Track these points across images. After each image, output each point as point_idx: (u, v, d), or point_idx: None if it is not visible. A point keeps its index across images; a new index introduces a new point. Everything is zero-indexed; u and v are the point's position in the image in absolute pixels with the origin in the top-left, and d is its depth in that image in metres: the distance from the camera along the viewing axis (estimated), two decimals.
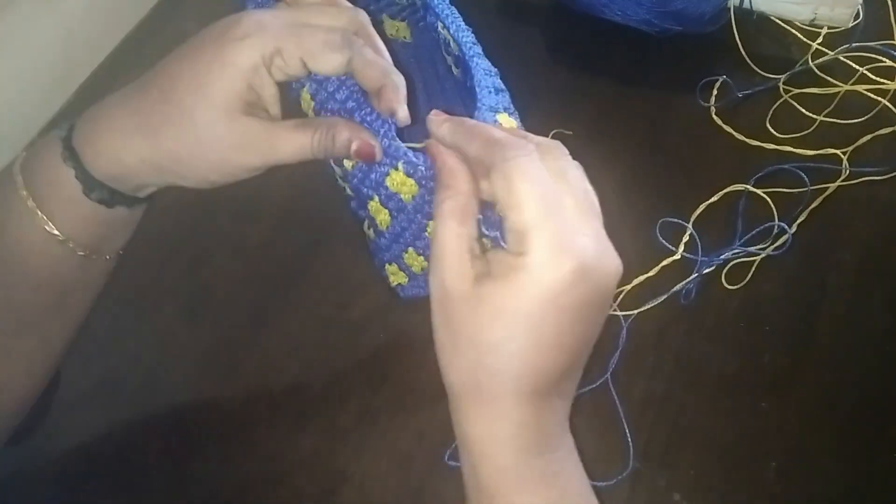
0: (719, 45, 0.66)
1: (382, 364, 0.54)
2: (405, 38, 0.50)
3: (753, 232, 0.57)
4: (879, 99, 0.63)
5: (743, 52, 0.64)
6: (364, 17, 0.41)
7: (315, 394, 0.54)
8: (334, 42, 0.38)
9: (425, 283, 0.48)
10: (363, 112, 0.42)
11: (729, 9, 0.63)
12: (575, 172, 0.36)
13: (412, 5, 0.51)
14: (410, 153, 0.41)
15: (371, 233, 0.49)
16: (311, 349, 0.55)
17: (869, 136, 0.62)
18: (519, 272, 0.33)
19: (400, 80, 0.39)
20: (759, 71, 0.65)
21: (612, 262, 0.34)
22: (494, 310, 0.34)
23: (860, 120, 0.62)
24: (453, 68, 0.48)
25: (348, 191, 0.49)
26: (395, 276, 0.51)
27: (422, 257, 0.48)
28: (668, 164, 0.62)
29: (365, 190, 0.44)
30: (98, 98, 0.64)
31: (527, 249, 0.33)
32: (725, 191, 0.59)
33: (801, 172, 0.59)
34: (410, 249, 0.47)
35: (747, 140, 0.62)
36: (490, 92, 0.44)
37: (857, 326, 0.54)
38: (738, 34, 0.64)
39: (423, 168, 0.41)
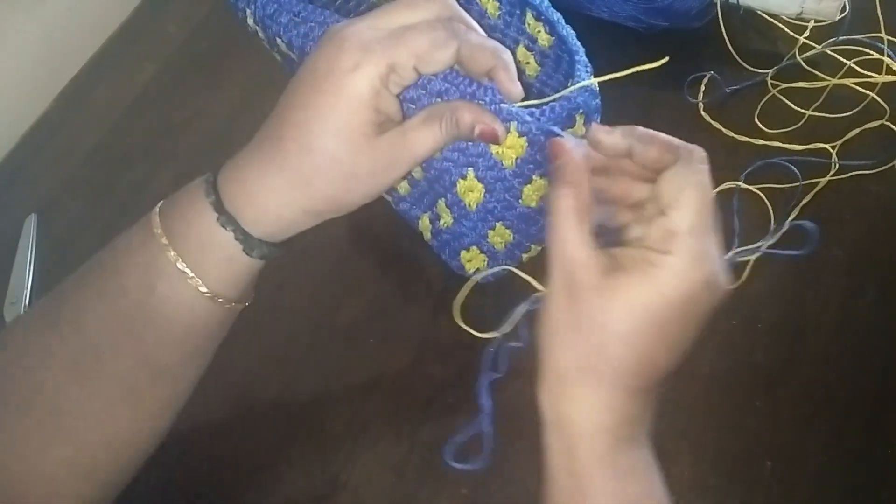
0: (706, 41, 0.65)
1: (373, 369, 0.53)
2: (492, 14, 0.49)
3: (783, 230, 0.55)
4: (867, 92, 0.63)
5: (730, 47, 0.64)
6: (451, 0, 0.40)
7: (305, 401, 0.53)
8: (440, 38, 0.37)
9: (506, 259, 0.48)
10: (461, 87, 0.40)
11: (715, 4, 0.63)
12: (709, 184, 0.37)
13: None
14: (523, 112, 0.41)
15: (443, 223, 0.48)
16: (300, 356, 0.54)
17: (857, 130, 0.61)
18: (659, 270, 0.34)
19: (508, 57, 0.39)
20: (747, 66, 0.64)
21: (723, 280, 0.36)
22: (628, 302, 0.35)
23: (848, 114, 0.62)
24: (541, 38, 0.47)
25: (402, 190, 0.48)
26: (473, 262, 0.51)
27: (509, 231, 0.48)
28: None
29: (456, 170, 0.44)
30: (82, 101, 0.63)
31: (673, 251, 0.34)
32: (718, 188, 0.58)
33: (792, 167, 0.59)
34: (498, 224, 0.47)
35: (736, 136, 0.62)
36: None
37: (849, 322, 0.54)
38: (725, 29, 0.63)
39: (535, 125, 0.41)
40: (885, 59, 0.63)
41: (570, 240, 0.36)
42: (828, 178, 0.59)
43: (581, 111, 0.43)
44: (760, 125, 0.62)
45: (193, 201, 0.40)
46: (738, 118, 0.63)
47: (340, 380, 0.54)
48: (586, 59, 0.42)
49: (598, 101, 0.43)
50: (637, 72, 0.39)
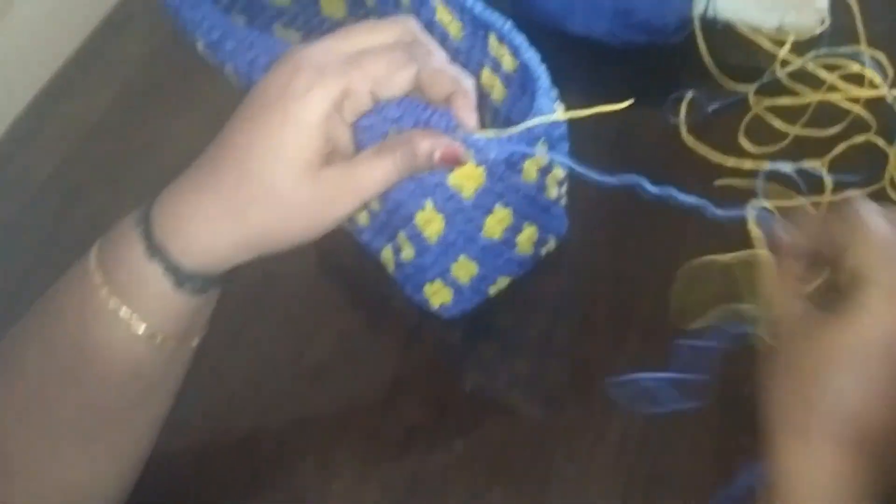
0: (685, 56, 0.64)
1: (342, 410, 0.51)
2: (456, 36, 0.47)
3: None
4: (851, 107, 0.61)
5: (709, 63, 0.62)
6: (413, 22, 0.38)
7: (271, 445, 0.50)
8: (398, 60, 0.36)
9: (472, 293, 0.45)
10: (415, 112, 0.38)
11: (693, 18, 0.61)
12: None
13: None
14: (482, 140, 0.38)
15: (405, 255, 0.46)
16: (264, 400, 0.51)
17: (844, 146, 0.59)
18: (857, 310, 0.33)
19: (470, 84, 0.37)
20: (727, 81, 0.62)
21: None
22: (828, 345, 0.34)
23: (834, 130, 0.60)
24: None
25: (362, 221, 0.45)
26: (438, 296, 0.48)
27: (473, 263, 0.46)
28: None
29: (413, 201, 0.42)
30: (35, 131, 0.61)
31: (866, 289, 0.33)
32: None
33: (796, 177, 0.56)
34: (462, 257, 0.45)
35: (723, 157, 0.59)
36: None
37: None
38: (704, 44, 0.61)
39: (493, 153, 0.39)
40: (867, 72, 0.62)
41: (785, 302, 0.36)
42: (828, 197, 0.56)
43: (543, 139, 0.41)
44: (745, 145, 0.60)
45: (125, 233, 0.38)
46: (722, 139, 0.60)
47: (308, 422, 0.51)
48: (549, 86, 0.40)
49: (562, 129, 0.41)
50: (604, 109, 0.36)
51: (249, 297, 0.54)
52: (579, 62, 0.65)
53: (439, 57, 0.38)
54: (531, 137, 0.40)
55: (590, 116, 0.62)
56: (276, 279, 0.55)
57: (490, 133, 0.38)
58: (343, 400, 0.51)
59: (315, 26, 0.54)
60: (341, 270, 0.56)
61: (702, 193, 0.39)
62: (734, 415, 0.45)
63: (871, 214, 0.35)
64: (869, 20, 0.64)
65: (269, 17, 0.52)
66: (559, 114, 0.40)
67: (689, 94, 0.61)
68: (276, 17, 0.53)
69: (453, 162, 0.37)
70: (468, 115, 0.37)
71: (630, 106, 0.62)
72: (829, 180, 0.56)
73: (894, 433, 0.34)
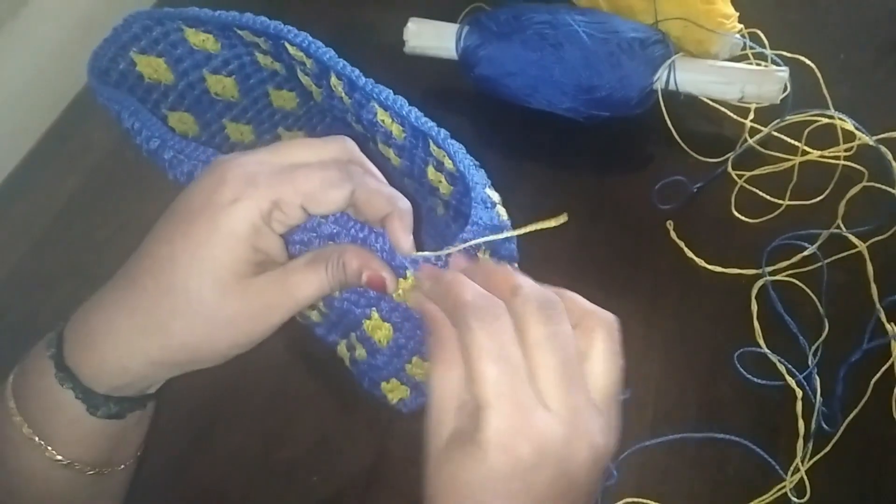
0: (650, 127, 0.64)
1: None
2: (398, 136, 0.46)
3: None
4: (836, 162, 0.62)
5: (675, 134, 0.62)
6: (350, 143, 0.37)
7: None
8: (333, 178, 0.34)
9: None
10: (351, 231, 0.37)
11: (656, 91, 0.61)
12: (564, 338, 0.32)
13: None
14: (420, 259, 0.37)
15: (358, 355, 0.45)
16: (236, 498, 0.50)
17: (844, 200, 0.60)
18: (472, 447, 0.31)
19: (406, 206, 0.36)
20: (694, 154, 0.63)
21: (583, 446, 0.31)
22: (449, 478, 0.32)
23: (829, 189, 0.61)
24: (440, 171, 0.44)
25: (315, 318, 0.44)
26: (395, 392, 0.47)
27: (427, 363, 0.44)
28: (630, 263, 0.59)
29: (359, 310, 0.41)
30: (10, 211, 0.59)
31: (482, 427, 0.31)
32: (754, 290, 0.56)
33: (806, 245, 0.58)
34: (415, 358, 0.44)
35: (709, 266, 0.58)
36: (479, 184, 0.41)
37: None
38: (668, 115, 0.62)
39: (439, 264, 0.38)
40: (839, 123, 0.63)
41: (439, 394, 0.33)
42: (859, 248, 0.58)
43: (483, 248, 0.40)
44: (742, 218, 0.60)
45: (37, 356, 0.36)
46: (715, 217, 0.61)
47: None
48: (486, 195, 0.40)
49: (511, 245, 0.41)
50: (541, 226, 0.35)
51: (219, 391, 0.53)
52: (544, 136, 0.66)
53: (375, 178, 0.37)
54: (472, 253, 0.39)
55: (561, 190, 0.63)
56: (245, 373, 0.53)
57: (428, 253, 0.37)
58: (318, 497, 0.50)
59: (266, 118, 0.53)
60: (311, 361, 0.55)
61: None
62: None
63: (486, 344, 0.31)
64: (831, 85, 0.65)
65: (218, 112, 0.52)
66: (490, 237, 0.39)
67: (673, 178, 0.62)
68: (225, 111, 0.52)
69: (380, 287, 0.36)
70: (403, 237, 0.35)
71: (602, 179, 0.63)
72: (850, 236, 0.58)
73: None
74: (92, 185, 0.69)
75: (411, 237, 0.36)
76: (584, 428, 0.31)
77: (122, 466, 0.39)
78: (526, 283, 0.33)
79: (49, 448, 0.35)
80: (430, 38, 0.66)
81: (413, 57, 0.67)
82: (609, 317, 0.34)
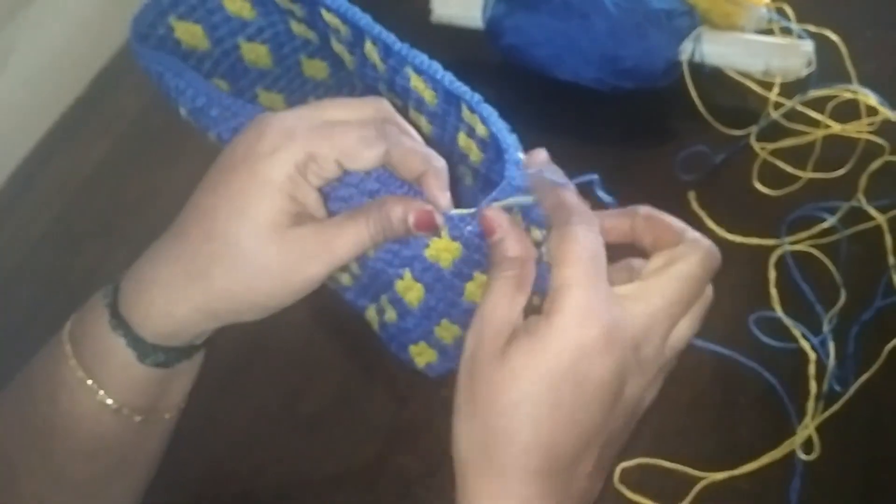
0: (674, 100, 0.66)
1: (339, 461, 0.52)
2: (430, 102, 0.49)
3: None
4: (858, 136, 0.63)
5: (700, 108, 0.64)
6: (387, 103, 0.39)
7: (268, 497, 0.52)
8: (369, 136, 0.36)
9: (458, 352, 0.46)
10: (392, 188, 0.38)
11: (681, 64, 0.63)
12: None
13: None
14: (455, 217, 0.39)
15: (388, 317, 0.47)
16: (262, 449, 0.53)
17: (865, 174, 0.62)
18: (545, 328, 0.33)
19: (441, 165, 0.37)
20: (719, 125, 0.64)
21: (648, 360, 0.34)
22: (516, 367, 0.33)
23: (851, 162, 0.62)
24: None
25: (345, 281, 0.47)
26: (423, 356, 0.49)
27: (456, 325, 0.46)
28: None
29: (392, 270, 0.42)
30: (32, 183, 0.62)
31: (558, 307, 0.33)
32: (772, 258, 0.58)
33: (826, 215, 0.59)
34: (444, 320, 0.45)
35: (730, 235, 0.60)
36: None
37: None
38: (693, 87, 0.63)
39: (470, 228, 0.39)
40: (862, 98, 0.64)
41: (497, 311, 0.35)
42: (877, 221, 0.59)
43: (516, 210, 0.42)
44: (762, 190, 0.62)
45: (95, 304, 0.38)
46: (737, 188, 0.63)
47: (305, 473, 0.52)
48: (518, 157, 0.41)
49: (541, 211, 0.43)
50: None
51: (245, 347, 0.56)
52: (569, 107, 0.68)
53: (410, 137, 0.38)
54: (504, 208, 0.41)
55: (584, 162, 0.65)
56: (270, 331, 0.55)
57: (465, 210, 0.39)
58: (340, 452, 0.53)
59: (297, 87, 0.55)
60: (336, 323, 0.58)
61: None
62: None
63: (583, 234, 0.34)
64: (856, 61, 0.67)
65: (252, 80, 0.54)
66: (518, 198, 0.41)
67: (694, 150, 0.63)
68: (259, 80, 0.54)
69: (429, 227, 0.37)
70: (440, 194, 0.37)
71: (625, 150, 0.65)
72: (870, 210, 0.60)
73: (585, 453, 0.34)
74: (121, 150, 0.72)
75: (448, 194, 0.37)
76: (651, 343, 0.34)
77: (167, 416, 0.42)
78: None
79: (100, 392, 0.38)
80: (457, 6, 0.68)
81: (439, 26, 0.69)
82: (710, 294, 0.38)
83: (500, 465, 0.33)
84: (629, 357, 0.34)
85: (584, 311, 0.33)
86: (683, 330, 0.36)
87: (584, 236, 0.34)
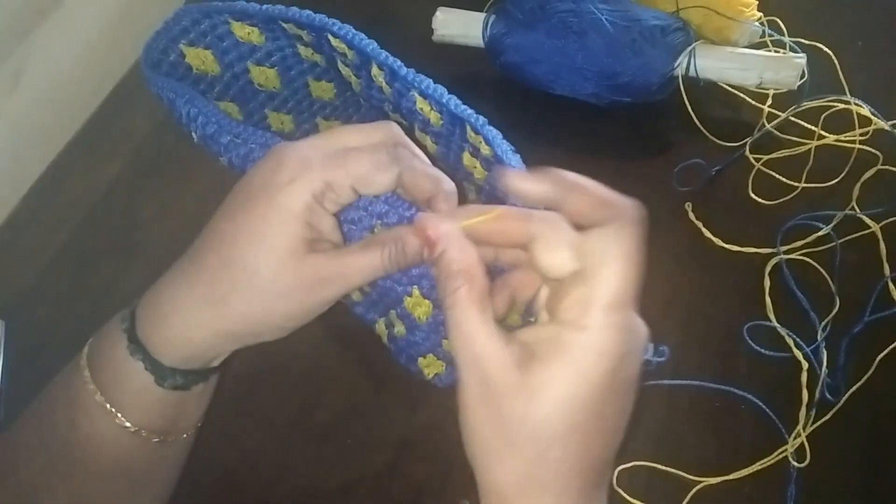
0: (670, 113, 0.68)
1: (351, 472, 0.54)
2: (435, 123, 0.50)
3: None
4: (851, 146, 0.65)
5: (695, 119, 0.66)
6: (397, 128, 0.40)
7: None
8: (381, 161, 0.37)
9: None
10: (400, 210, 0.40)
11: (676, 77, 0.65)
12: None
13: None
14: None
15: (397, 331, 0.49)
16: (275, 461, 0.54)
17: (858, 183, 0.64)
18: (577, 351, 0.31)
19: (451, 188, 0.39)
20: (713, 138, 0.67)
21: (645, 333, 0.34)
22: (553, 398, 0.31)
23: (844, 172, 0.64)
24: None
25: (355, 297, 0.48)
26: (431, 368, 0.50)
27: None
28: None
29: (401, 288, 0.44)
30: (47, 202, 0.63)
31: (589, 325, 0.31)
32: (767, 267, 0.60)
33: (821, 225, 0.61)
34: None
35: (726, 244, 0.62)
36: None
37: None
38: (688, 101, 0.65)
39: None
40: (854, 108, 0.66)
41: (476, 335, 0.33)
42: (871, 229, 0.61)
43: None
44: (758, 200, 0.64)
45: (112, 329, 0.40)
46: (732, 199, 0.64)
47: (318, 483, 0.54)
48: None
49: None
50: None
51: (257, 359, 0.57)
52: (566, 122, 0.70)
53: (421, 160, 0.40)
54: None
55: (582, 174, 0.66)
56: (281, 344, 0.57)
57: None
58: (352, 462, 0.54)
59: (305, 108, 0.57)
60: (346, 336, 0.59)
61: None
62: None
63: (634, 240, 0.32)
64: (848, 72, 0.68)
65: (261, 102, 0.55)
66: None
67: (692, 161, 0.65)
68: (267, 101, 0.56)
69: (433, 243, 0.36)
70: (441, 228, 0.36)
71: (622, 163, 0.67)
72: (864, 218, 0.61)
73: (612, 455, 0.34)
74: (133, 168, 0.74)
75: (447, 223, 0.37)
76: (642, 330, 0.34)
77: (185, 436, 0.43)
78: None
79: (119, 415, 0.39)
80: (458, 26, 0.70)
81: (441, 45, 0.71)
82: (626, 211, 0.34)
83: (554, 491, 0.32)
84: (640, 347, 0.33)
85: (617, 332, 0.32)
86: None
87: (630, 247, 0.32)
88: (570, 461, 0.32)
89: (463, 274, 0.34)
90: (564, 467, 0.32)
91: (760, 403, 0.54)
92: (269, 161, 0.38)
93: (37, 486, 0.40)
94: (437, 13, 0.70)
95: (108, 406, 0.39)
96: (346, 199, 0.38)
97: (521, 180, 0.35)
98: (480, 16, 0.69)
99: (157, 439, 0.40)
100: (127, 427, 0.39)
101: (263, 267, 0.37)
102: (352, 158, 0.37)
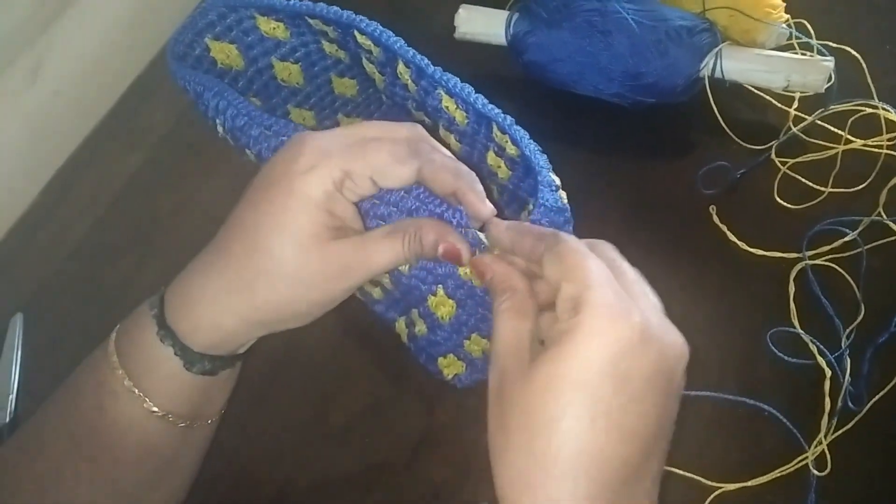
0: (694, 114, 0.67)
1: (369, 470, 0.54)
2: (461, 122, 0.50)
3: None
4: (878, 151, 0.64)
5: (722, 122, 0.65)
6: (421, 128, 0.41)
7: None
8: (401, 154, 0.38)
9: (486, 365, 0.47)
10: (430, 206, 0.40)
11: (702, 79, 0.64)
12: (626, 265, 0.36)
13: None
14: (476, 239, 0.41)
15: (418, 330, 0.49)
16: (292, 459, 0.55)
17: (886, 189, 0.63)
18: (572, 335, 0.31)
19: (474, 178, 0.39)
20: (739, 140, 0.66)
21: (678, 339, 0.33)
22: (546, 381, 0.31)
23: (871, 177, 0.64)
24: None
25: (376, 295, 0.48)
26: (451, 368, 0.51)
27: (486, 339, 0.48)
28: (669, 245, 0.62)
29: (425, 287, 0.44)
30: (67, 194, 0.63)
31: (582, 311, 0.32)
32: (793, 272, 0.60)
33: (846, 230, 0.60)
34: (474, 335, 0.47)
35: (751, 248, 0.61)
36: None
37: None
38: (714, 102, 0.65)
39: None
40: (882, 113, 0.65)
41: (505, 336, 0.35)
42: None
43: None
44: (784, 204, 0.64)
45: (140, 315, 0.41)
46: (757, 203, 0.64)
47: (335, 482, 0.54)
48: (551, 178, 0.43)
49: (566, 216, 0.44)
50: None
51: (275, 358, 0.58)
52: (590, 122, 0.69)
53: (442, 154, 0.40)
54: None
55: (605, 176, 0.66)
56: (299, 342, 0.58)
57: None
58: (369, 461, 0.54)
59: (327, 105, 0.57)
60: (364, 334, 0.59)
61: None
62: None
63: (579, 246, 0.34)
64: (876, 76, 0.68)
65: (283, 97, 0.56)
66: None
67: (717, 164, 0.65)
68: (290, 97, 0.56)
69: (455, 260, 0.38)
70: (480, 205, 0.38)
71: (646, 165, 0.66)
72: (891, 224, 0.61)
73: (643, 462, 0.32)
74: (153, 162, 0.74)
75: (488, 203, 0.39)
76: (669, 323, 0.34)
77: (209, 421, 0.44)
78: None
79: (147, 400, 0.40)
80: (481, 24, 0.70)
81: (463, 43, 0.71)
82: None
83: (546, 495, 0.31)
84: (665, 341, 0.33)
85: (612, 311, 0.31)
86: (629, 269, 0.36)
87: (579, 246, 0.34)
88: (561, 454, 0.30)
89: (510, 291, 0.36)
90: (555, 462, 0.30)
91: (782, 411, 0.54)
92: (290, 149, 0.39)
93: (63, 470, 0.41)
94: (460, 10, 0.70)
95: (136, 391, 0.39)
96: (365, 191, 0.39)
97: (499, 229, 0.38)
98: (503, 14, 0.69)
99: (182, 424, 0.41)
100: (154, 412, 0.40)
101: (288, 255, 0.37)
102: (372, 149, 0.38)
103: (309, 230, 0.37)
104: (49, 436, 0.42)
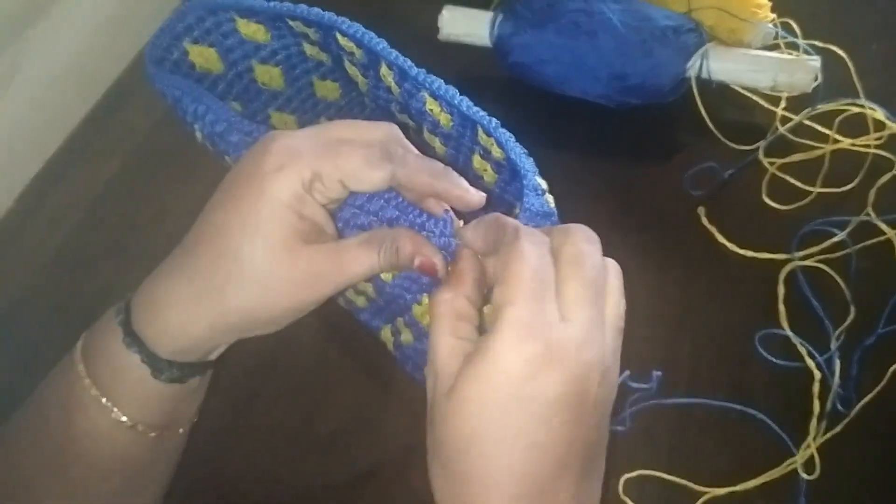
0: (681, 114, 0.68)
1: (357, 481, 0.54)
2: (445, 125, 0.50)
3: None
4: (866, 150, 0.65)
5: (708, 122, 0.66)
6: (397, 129, 0.40)
7: None
8: (373, 157, 0.37)
9: None
10: (411, 216, 0.40)
11: (688, 79, 0.65)
12: (593, 260, 0.35)
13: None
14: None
15: (404, 339, 0.49)
16: (278, 469, 0.54)
17: (874, 189, 0.64)
18: (482, 355, 0.32)
19: (451, 171, 0.38)
20: (726, 141, 0.67)
21: (594, 356, 0.33)
22: (460, 401, 0.32)
23: (859, 177, 0.64)
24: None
25: (360, 303, 0.48)
26: None
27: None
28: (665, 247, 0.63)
29: (409, 295, 0.44)
30: (43, 203, 0.63)
31: (495, 328, 0.32)
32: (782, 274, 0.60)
33: (835, 231, 0.61)
34: None
35: (740, 250, 0.62)
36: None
37: None
38: (701, 103, 0.65)
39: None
40: (869, 112, 0.66)
41: (441, 347, 0.34)
42: (887, 236, 0.61)
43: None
44: (772, 205, 0.64)
45: (106, 322, 0.40)
46: (746, 203, 0.65)
47: (321, 491, 0.54)
48: (536, 182, 0.43)
49: (552, 221, 0.43)
50: None
51: (259, 366, 0.58)
52: (576, 123, 0.70)
53: (416, 156, 0.39)
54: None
55: (592, 178, 0.67)
56: (283, 351, 0.58)
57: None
58: (356, 470, 0.54)
59: (309, 108, 0.57)
60: (349, 342, 0.59)
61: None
62: None
63: (525, 250, 0.33)
64: (863, 75, 0.69)
65: (264, 101, 0.55)
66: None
67: (704, 165, 0.65)
68: (271, 101, 0.56)
69: (431, 272, 0.38)
70: (465, 194, 0.38)
71: (634, 166, 0.67)
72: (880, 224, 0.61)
73: (563, 474, 0.33)
74: (130, 168, 0.73)
75: (472, 190, 0.38)
76: (597, 340, 0.33)
77: (181, 430, 0.43)
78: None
79: (115, 410, 0.39)
80: (465, 25, 0.70)
81: (447, 44, 0.71)
82: (615, 263, 0.37)
83: None
84: (579, 358, 0.33)
85: (523, 329, 0.32)
86: (612, 308, 0.35)
87: (528, 253, 0.34)
88: (478, 475, 0.32)
89: (449, 289, 0.36)
90: (473, 481, 0.32)
91: (770, 414, 0.54)
92: (258, 148, 0.38)
93: (33, 484, 0.40)
94: (444, 11, 0.70)
95: (103, 401, 0.38)
96: (334, 194, 0.38)
97: (464, 231, 0.38)
98: (488, 14, 0.69)
99: (153, 434, 0.40)
100: (123, 422, 0.39)
101: (257, 259, 0.36)
102: (343, 152, 0.37)
103: (279, 234, 0.36)
104: (18, 449, 0.41)
